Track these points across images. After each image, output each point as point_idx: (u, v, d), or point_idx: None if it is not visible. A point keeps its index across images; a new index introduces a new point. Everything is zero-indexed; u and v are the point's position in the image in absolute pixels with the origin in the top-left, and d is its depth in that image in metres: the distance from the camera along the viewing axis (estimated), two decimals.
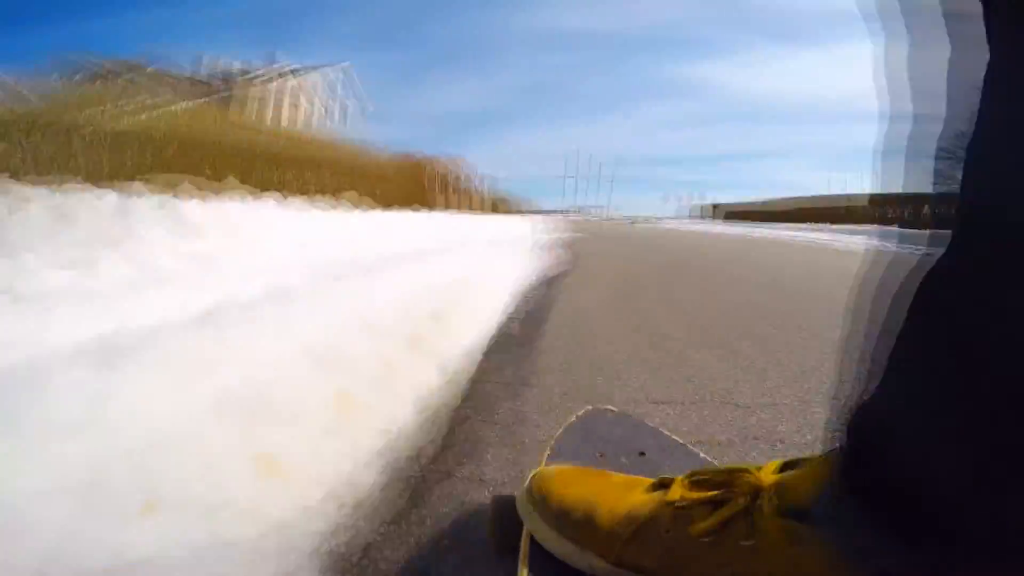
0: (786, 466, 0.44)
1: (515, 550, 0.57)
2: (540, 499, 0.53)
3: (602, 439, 0.72)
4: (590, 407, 0.79)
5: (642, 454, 0.69)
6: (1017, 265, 0.29)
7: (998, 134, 0.31)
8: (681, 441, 0.73)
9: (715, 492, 0.44)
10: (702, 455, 0.70)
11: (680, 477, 0.48)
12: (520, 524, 0.57)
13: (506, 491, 0.70)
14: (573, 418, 0.76)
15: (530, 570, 0.51)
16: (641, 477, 0.53)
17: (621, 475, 0.55)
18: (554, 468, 0.57)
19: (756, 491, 0.42)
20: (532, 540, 0.53)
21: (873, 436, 0.37)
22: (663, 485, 0.49)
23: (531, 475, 0.57)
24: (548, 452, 0.67)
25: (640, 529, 0.46)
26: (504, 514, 0.63)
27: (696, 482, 0.46)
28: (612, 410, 0.80)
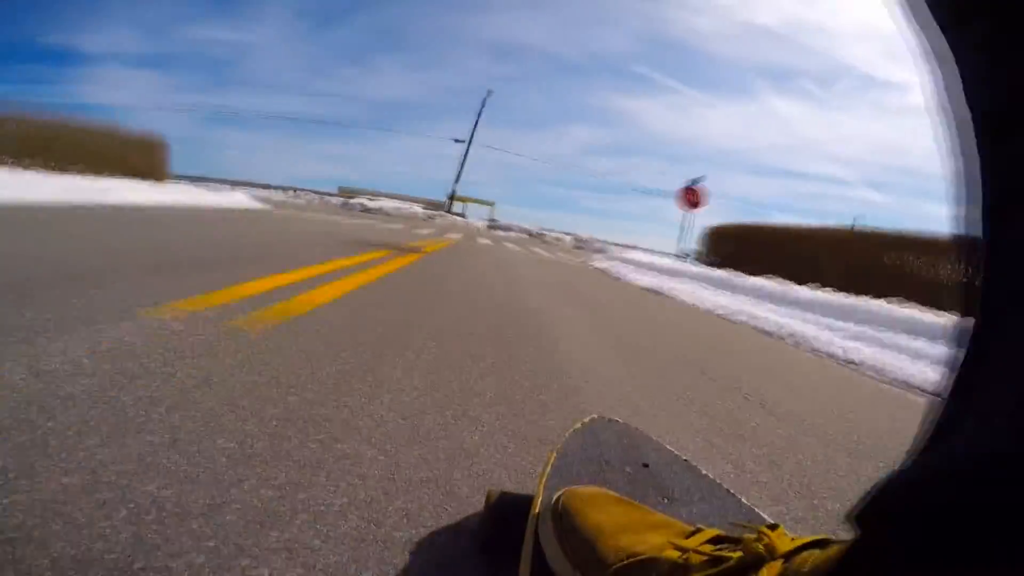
0: (815, 543, 0.39)
1: (507, 545, 0.60)
2: (562, 512, 0.54)
3: (607, 448, 0.72)
4: (595, 416, 0.80)
5: (645, 465, 0.70)
6: None
7: None
8: (684, 456, 0.74)
9: (720, 547, 0.43)
10: (704, 471, 0.71)
11: (708, 529, 0.46)
12: (516, 520, 0.59)
13: (504, 487, 0.71)
14: (578, 425, 0.76)
15: (532, 570, 0.52)
16: (676, 521, 0.52)
17: (659, 515, 0.54)
18: (590, 490, 0.57)
19: (761, 558, 0.39)
20: (535, 541, 0.54)
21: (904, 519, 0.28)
22: (695, 532, 0.47)
23: (563, 491, 0.57)
24: (554, 456, 0.68)
25: (633, 565, 0.45)
26: (498, 509, 0.66)
27: (715, 538, 0.45)
28: (617, 421, 0.80)
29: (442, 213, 25.32)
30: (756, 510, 0.64)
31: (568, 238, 23.05)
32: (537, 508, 0.58)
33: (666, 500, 0.64)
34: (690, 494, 0.65)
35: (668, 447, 0.76)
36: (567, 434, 0.74)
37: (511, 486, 0.82)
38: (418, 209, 22.81)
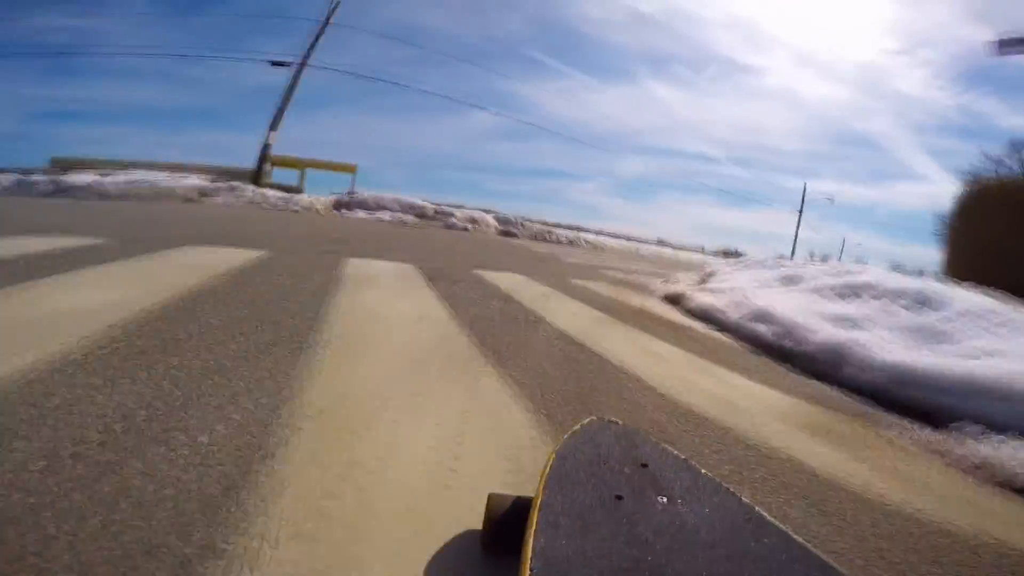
0: None
1: (508, 547, 0.60)
2: None
3: (605, 449, 0.73)
4: (594, 417, 0.80)
5: (644, 465, 0.70)
6: None
7: None
8: (683, 456, 0.74)
9: None
10: (703, 470, 0.71)
11: None
12: (515, 524, 0.60)
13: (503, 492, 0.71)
14: (577, 427, 0.76)
15: (531, 571, 0.52)
16: None
17: None
18: None
19: None
20: (534, 541, 0.54)
21: None
22: None
23: None
24: (553, 458, 0.68)
25: None
26: (498, 513, 0.67)
27: None
28: (616, 422, 0.80)
29: (241, 187, 12.04)
30: (755, 508, 0.65)
31: (488, 217, 13.26)
32: (536, 509, 0.58)
33: (665, 499, 0.64)
34: (688, 493, 0.66)
35: (667, 447, 0.77)
36: (566, 436, 0.75)
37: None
38: (195, 181, 12.06)
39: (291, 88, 16.56)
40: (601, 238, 15.79)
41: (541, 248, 9.80)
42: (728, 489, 0.67)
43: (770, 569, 0.55)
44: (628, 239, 18.25)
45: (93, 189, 10.00)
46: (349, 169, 19.55)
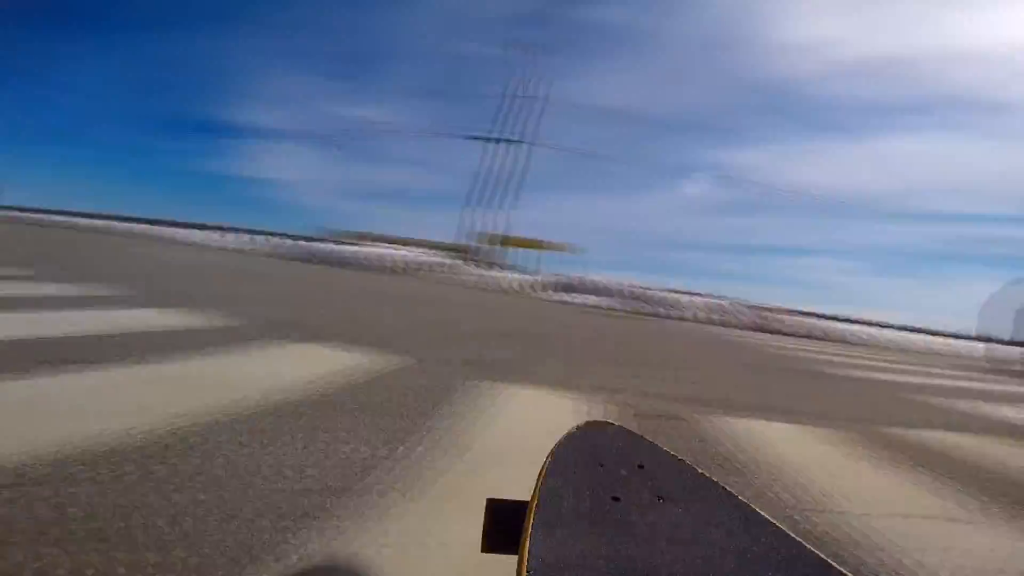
0: None
1: (507, 552, 0.59)
2: None
3: (602, 450, 0.73)
4: (590, 420, 0.81)
5: (641, 467, 0.70)
6: None
7: None
8: (680, 457, 0.74)
9: None
10: (700, 471, 0.71)
11: None
12: (515, 528, 0.59)
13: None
14: (573, 429, 0.77)
15: (528, 573, 0.51)
16: None
17: None
18: None
19: None
20: (531, 543, 0.54)
21: None
22: None
23: None
24: (549, 459, 0.68)
25: None
26: (499, 518, 0.67)
27: None
28: (612, 424, 0.81)
29: (456, 264, 11.76)
30: (753, 508, 0.64)
31: (732, 306, 9.19)
32: (532, 511, 0.58)
33: (661, 500, 0.64)
34: (685, 494, 0.65)
35: (664, 449, 0.77)
36: (562, 438, 0.75)
37: None
38: (417, 256, 12.50)
39: (523, 167, 17.32)
40: (877, 331, 12.23)
41: (802, 350, 6.66)
42: (725, 489, 0.67)
43: (769, 569, 0.55)
44: (913, 330, 13.98)
45: (353, 260, 11.94)
46: (562, 248, 19.38)
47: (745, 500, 0.65)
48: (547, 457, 0.70)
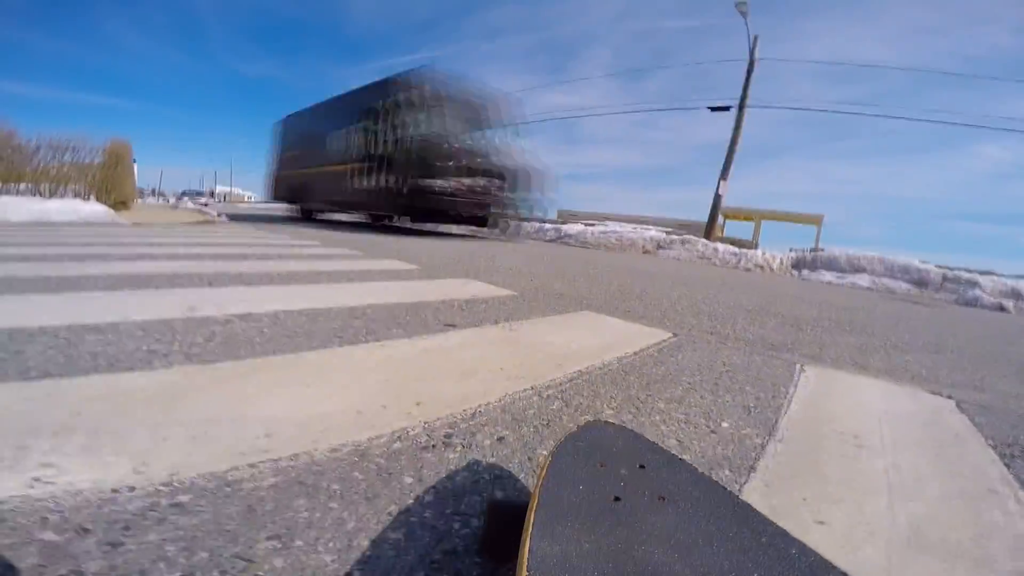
0: None
1: (509, 555, 0.60)
2: None
3: (603, 450, 0.73)
4: (591, 419, 0.80)
5: (642, 467, 0.70)
6: None
7: None
8: (680, 457, 0.73)
9: None
10: (700, 471, 0.71)
11: None
12: (515, 529, 0.60)
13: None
14: (575, 428, 0.77)
15: (528, 573, 0.53)
16: None
17: None
18: None
19: None
20: (531, 543, 0.55)
21: None
22: None
23: None
24: (550, 460, 0.69)
25: None
26: (499, 519, 0.68)
27: None
28: (613, 424, 0.81)
29: (693, 240, 10.96)
30: (752, 508, 0.64)
31: None
32: (533, 510, 0.59)
33: (661, 500, 0.64)
34: (686, 494, 0.66)
35: (665, 448, 0.76)
36: (563, 437, 0.75)
37: None
38: (653, 233, 12.06)
39: (735, 134, 13.99)
40: None
41: None
42: (725, 489, 0.67)
43: (769, 569, 0.55)
44: None
45: (579, 238, 12.56)
46: (813, 221, 16.75)
47: (746, 502, 0.65)
48: (548, 457, 0.70)
